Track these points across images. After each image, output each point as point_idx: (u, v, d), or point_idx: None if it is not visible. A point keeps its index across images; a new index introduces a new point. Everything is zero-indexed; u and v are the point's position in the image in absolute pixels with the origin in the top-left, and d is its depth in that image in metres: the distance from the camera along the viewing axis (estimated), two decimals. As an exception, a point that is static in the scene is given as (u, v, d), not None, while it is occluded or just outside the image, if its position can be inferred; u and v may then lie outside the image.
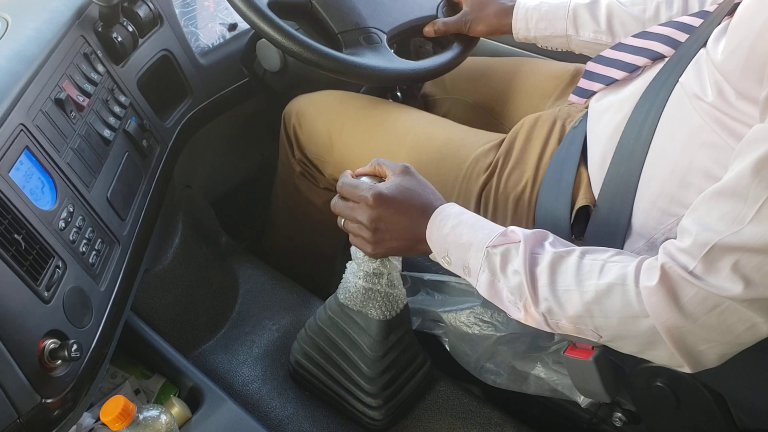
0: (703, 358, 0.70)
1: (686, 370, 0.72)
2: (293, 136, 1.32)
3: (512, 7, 1.23)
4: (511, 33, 1.25)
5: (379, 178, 0.93)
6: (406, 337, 1.09)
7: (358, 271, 1.00)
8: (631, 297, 0.70)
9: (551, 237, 0.81)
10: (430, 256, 0.89)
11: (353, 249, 0.99)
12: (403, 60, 1.19)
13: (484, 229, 0.82)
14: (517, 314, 0.79)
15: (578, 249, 0.77)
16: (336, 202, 0.93)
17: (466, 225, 0.83)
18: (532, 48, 1.55)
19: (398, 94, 1.41)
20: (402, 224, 0.88)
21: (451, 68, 1.26)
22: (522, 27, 1.22)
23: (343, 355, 1.09)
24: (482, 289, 0.82)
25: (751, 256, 0.62)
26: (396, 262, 0.99)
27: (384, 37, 1.20)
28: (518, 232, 0.79)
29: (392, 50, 1.20)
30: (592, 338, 0.76)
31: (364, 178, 0.93)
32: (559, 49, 1.22)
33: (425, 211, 0.87)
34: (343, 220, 0.93)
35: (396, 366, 1.08)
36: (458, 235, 0.83)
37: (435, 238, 0.85)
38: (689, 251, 0.67)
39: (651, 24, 1.09)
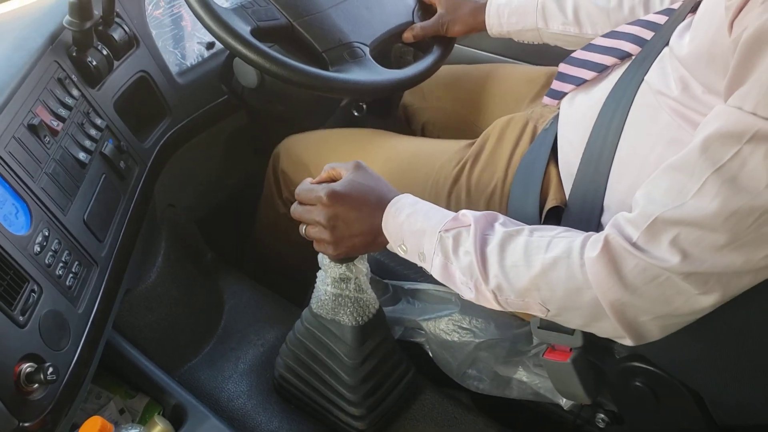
0: (644, 331, 0.72)
1: (628, 342, 0.74)
2: (281, 176, 1.34)
3: (485, 5, 1.26)
4: (485, 29, 1.27)
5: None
6: (386, 344, 1.09)
7: (326, 278, 1.01)
8: (575, 269, 0.72)
9: (502, 218, 0.82)
10: (388, 246, 0.90)
11: (320, 256, 1.00)
12: (389, 70, 1.20)
13: (438, 215, 0.84)
14: (469, 294, 0.81)
15: (527, 227, 0.79)
16: (295, 208, 0.94)
17: (420, 213, 0.85)
18: (509, 54, 1.57)
19: (363, 106, 1.42)
20: (359, 219, 0.89)
21: (434, 71, 1.27)
22: (495, 23, 1.25)
23: (323, 365, 1.09)
24: (436, 273, 0.84)
25: (691, 230, 0.64)
26: (362, 266, 1.00)
27: (367, 50, 1.22)
28: (469, 215, 0.81)
29: (376, 61, 1.21)
30: (540, 313, 0.78)
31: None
32: (534, 43, 1.25)
33: (380, 203, 0.88)
34: (304, 227, 0.94)
35: (377, 374, 1.09)
36: (413, 223, 0.85)
37: (390, 227, 0.87)
38: (634, 222, 0.68)
39: (615, 14, 1.11)
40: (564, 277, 0.73)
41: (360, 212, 0.89)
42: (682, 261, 0.65)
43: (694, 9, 0.84)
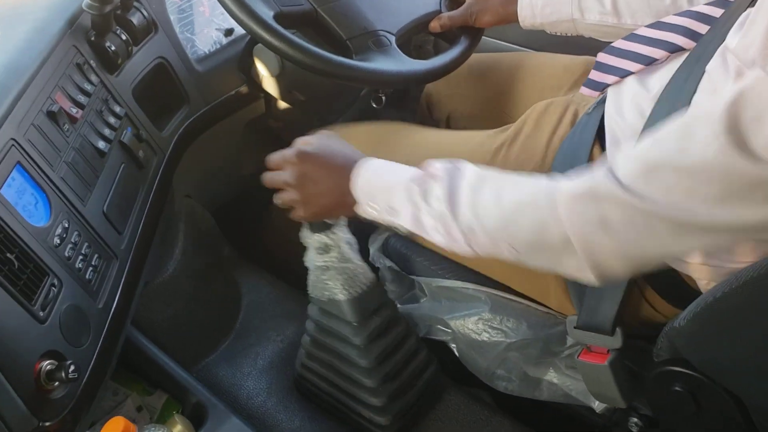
0: (610, 270, 0.72)
1: (590, 279, 0.73)
2: None
3: None
4: (516, 21, 1.22)
5: None
6: (396, 325, 1.09)
7: (309, 253, 1.02)
8: (544, 207, 0.71)
9: (470, 165, 0.81)
10: (355, 208, 0.89)
11: (302, 233, 1.02)
12: (415, 60, 1.17)
13: (407, 169, 0.85)
14: (439, 238, 0.81)
15: (498, 171, 0.79)
16: (265, 175, 0.96)
17: (389, 170, 0.86)
18: (535, 45, 1.54)
19: (381, 96, 1.39)
20: (327, 176, 0.91)
21: (462, 62, 1.24)
22: (528, 14, 1.20)
23: (336, 355, 1.08)
24: (407, 223, 0.83)
25: (688, 178, 0.62)
26: (341, 233, 1.01)
27: (393, 39, 1.18)
28: (438, 164, 0.81)
29: (402, 51, 1.18)
30: (509, 255, 0.77)
31: None
32: (567, 34, 1.20)
33: (347, 163, 0.89)
34: (279, 198, 0.95)
35: (392, 357, 1.08)
36: (382, 179, 0.86)
37: (360, 185, 0.87)
38: (635, 161, 0.67)
39: (657, 3, 1.07)
40: (534, 215, 0.73)
41: (328, 170, 0.91)
42: (670, 208, 0.64)
43: (753, 2, 0.80)
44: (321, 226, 0.99)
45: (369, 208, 0.87)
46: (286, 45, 1.02)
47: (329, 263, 1.01)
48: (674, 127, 0.65)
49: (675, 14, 0.94)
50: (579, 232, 0.69)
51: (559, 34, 1.21)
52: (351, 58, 1.11)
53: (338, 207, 0.92)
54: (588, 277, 0.73)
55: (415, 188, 0.81)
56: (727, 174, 0.60)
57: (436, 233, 0.81)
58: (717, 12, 0.88)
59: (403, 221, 0.83)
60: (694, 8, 0.91)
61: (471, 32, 1.27)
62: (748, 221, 0.62)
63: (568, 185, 0.70)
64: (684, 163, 0.62)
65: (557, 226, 0.70)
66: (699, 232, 0.65)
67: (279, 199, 0.95)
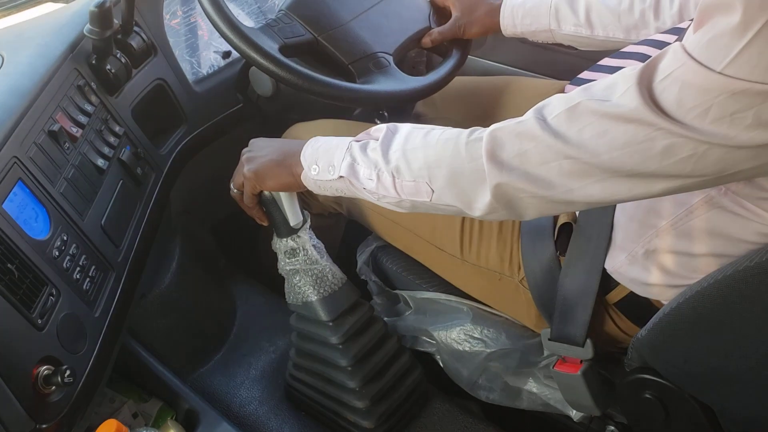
0: (521, 209, 0.75)
1: (503, 215, 0.76)
2: None
3: (500, 6, 1.28)
4: (500, 30, 1.30)
5: None
6: (374, 325, 1.12)
7: (280, 260, 1.07)
8: (466, 143, 0.76)
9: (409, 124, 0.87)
10: (302, 175, 0.92)
11: (273, 241, 1.07)
12: (414, 78, 1.22)
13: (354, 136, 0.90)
14: (371, 185, 0.84)
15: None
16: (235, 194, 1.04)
17: (338, 139, 0.90)
18: (521, 65, 1.58)
19: (384, 114, 1.43)
20: (270, 142, 1.00)
21: (455, 74, 1.30)
22: (509, 24, 1.27)
23: (319, 360, 1.11)
24: (343, 171, 0.86)
25: (602, 121, 0.65)
26: (306, 236, 1.05)
27: (391, 59, 1.24)
28: (381, 125, 0.87)
29: (399, 69, 1.23)
30: (426, 195, 0.80)
31: None
32: (547, 43, 1.27)
33: (293, 141, 0.97)
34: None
35: (372, 357, 1.11)
36: (330, 144, 0.90)
37: (308, 152, 0.92)
38: (560, 103, 0.70)
39: (626, 17, 1.13)
40: (455, 148, 0.76)
41: (270, 141, 1.00)
42: (579, 147, 0.67)
43: None
44: (287, 230, 1.03)
45: (310, 170, 0.90)
46: (296, 77, 1.07)
47: (297, 266, 1.06)
48: (604, 80, 0.68)
49: (634, 43, 0.98)
50: (494, 163, 0.72)
51: (539, 41, 1.28)
52: (354, 81, 1.17)
53: (278, 166, 0.96)
54: (499, 217, 0.77)
55: (355, 144, 0.86)
56: (638, 120, 0.63)
57: (368, 181, 0.84)
58: (671, 39, 0.92)
59: (340, 170, 0.87)
60: (651, 37, 0.96)
61: (461, 44, 1.34)
62: (645, 170, 0.65)
63: (493, 125, 0.75)
64: (602, 108, 0.65)
65: (474, 158, 0.74)
66: (598, 175, 0.67)
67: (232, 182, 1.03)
